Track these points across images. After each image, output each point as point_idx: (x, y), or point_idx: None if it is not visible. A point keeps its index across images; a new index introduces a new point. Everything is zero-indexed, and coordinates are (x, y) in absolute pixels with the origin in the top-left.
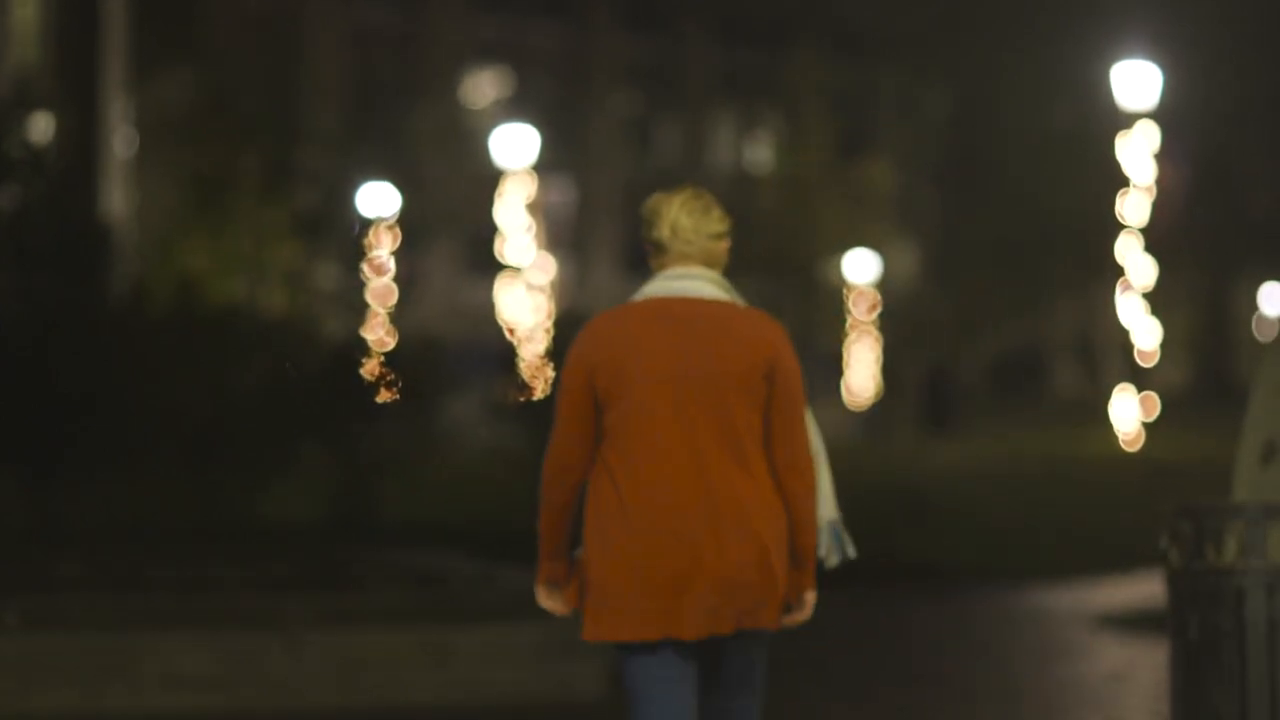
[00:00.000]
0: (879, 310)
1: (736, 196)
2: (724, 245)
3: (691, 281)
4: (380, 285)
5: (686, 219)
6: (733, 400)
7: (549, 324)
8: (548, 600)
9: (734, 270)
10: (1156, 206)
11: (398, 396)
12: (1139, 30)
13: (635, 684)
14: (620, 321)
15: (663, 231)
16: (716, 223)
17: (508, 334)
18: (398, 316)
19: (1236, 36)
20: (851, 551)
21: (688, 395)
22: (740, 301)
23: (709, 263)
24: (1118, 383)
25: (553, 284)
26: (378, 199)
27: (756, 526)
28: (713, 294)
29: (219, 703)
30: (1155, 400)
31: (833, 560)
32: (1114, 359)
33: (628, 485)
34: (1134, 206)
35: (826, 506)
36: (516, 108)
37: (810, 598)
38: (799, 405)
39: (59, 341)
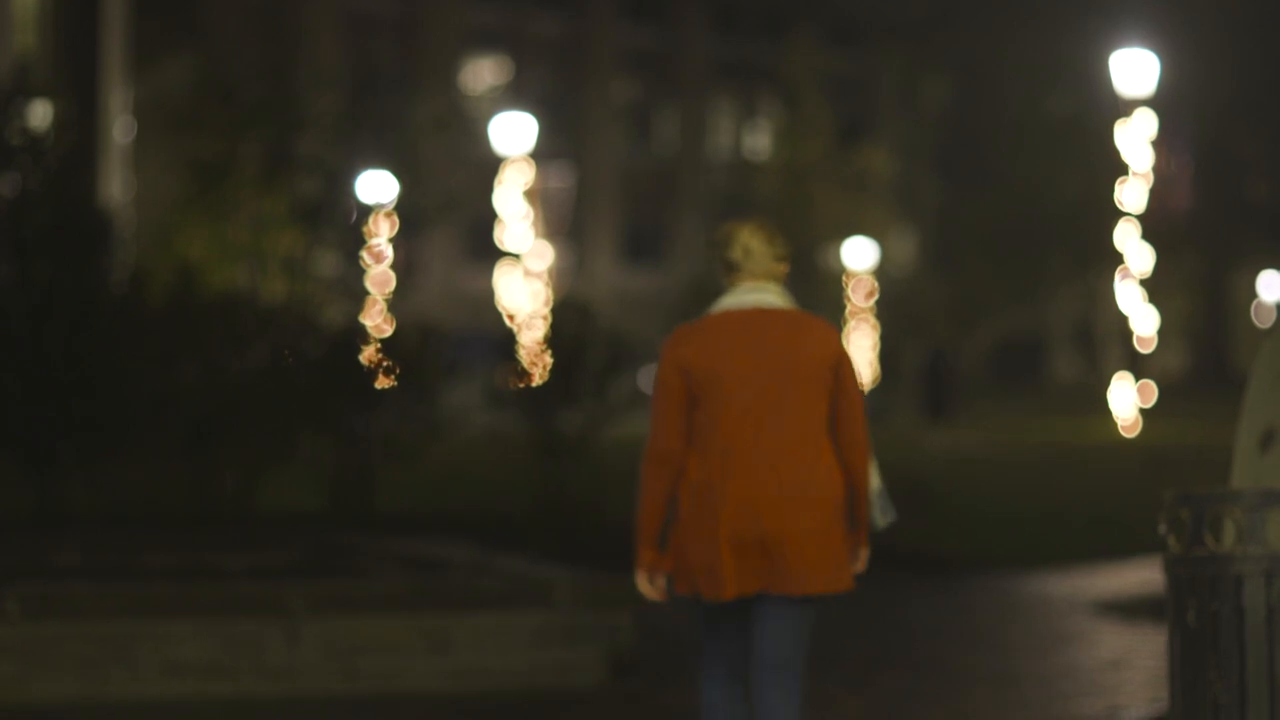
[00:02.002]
0: (875, 297)
1: (735, 184)
2: (785, 266)
3: (762, 295)
4: (379, 272)
5: (757, 243)
6: (805, 391)
7: (545, 311)
8: (648, 587)
9: None
10: (1155, 193)
11: (395, 383)
12: (1137, 18)
13: (711, 631)
14: (706, 329)
15: (736, 253)
16: (780, 247)
17: (508, 320)
18: (397, 304)
19: (1235, 23)
20: (894, 515)
21: (767, 388)
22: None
23: (774, 279)
24: (1117, 370)
25: (550, 270)
26: (377, 186)
27: (823, 499)
28: (781, 304)
29: (219, 689)
30: (1153, 387)
31: (882, 522)
32: (1114, 346)
33: (719, 466)
34: (1133, 194)
35: (874, 478)
36: (515, 95)
37: (864, 553)
38: (858, 395)
39: (58, 328)
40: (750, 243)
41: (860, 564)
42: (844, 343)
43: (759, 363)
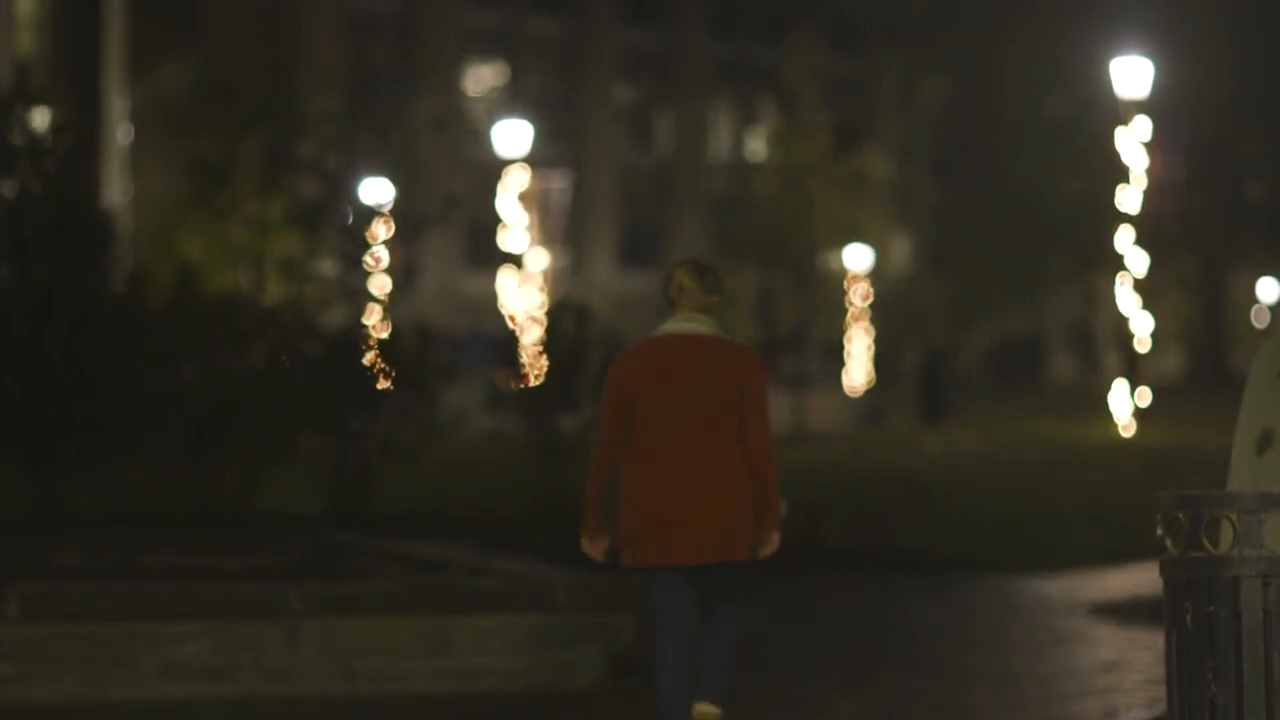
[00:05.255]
0: (870, 300)
1: (734, 185)
2: (715, 299)
3: (693, 324)
4: (380, 275)
5: (689, 281)
6: (717, 405)
7: (542, 314)
8: (590, 548)
9: (732, 261)
10: (1153, 196)
11: (392, 385)
12: (1135, 21)
13: (655, 594)
14: (644, 351)
15: (673, 290)
16: (710, 284)
17: (510, 322)
18: (396, 306)
19: (1234, 24)
20: (785, 509)
21: (688, 402)
22: (726, 337)
23: (705, 311)
24: (1115, 371)
25: (546, 273)
26: (376, 189)
27: (730, 491)
28: (708, 333)
29: (219, 691)
30: (1148, 390)
31: (781, 512)
32: (1112, 348)
33: (647, 464)
34: (1131, 197)
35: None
36: (514, 98)
37: (775, 538)
38: (762, 410)
39: (58, 329)
40: (684, 281)
41: (771, 546)
42: (756, 366)
43: (680, 379)
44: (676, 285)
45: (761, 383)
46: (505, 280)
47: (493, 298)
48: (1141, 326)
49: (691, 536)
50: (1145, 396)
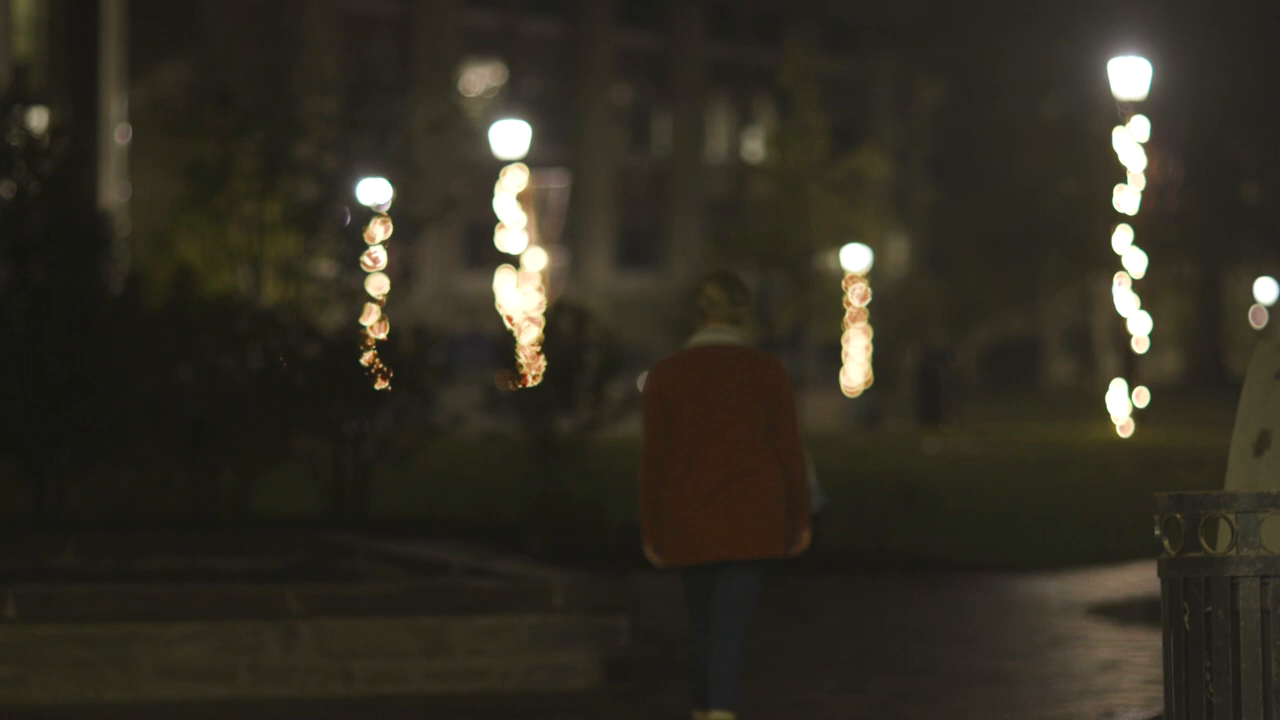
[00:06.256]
0: (867, 301)
1: (731, 187)
2: (744, 310)
3: (723, 334)
4: (377, 276)
5: (719, 295)
6: (750, 410)
7: (539, 314)
8: (653, 556)
9: (730, 263)
10: (1151, 197)
11: (390, 386)
12: (1132, 22)
13: (690, 587)
14: (679, 361)
15: (703, 303)
16: (738, 296)
17: (508, 323)
18: (394, 307)
19: (1232, 25)
20: (825, 499)
21: (721, 408)
22: (753, 345)
23: (734, 321)
24: (1112, 372)
25: (543, 274)
26: (374, 190)
27: (763, 493)
28: (737, 342)
29: (216, 692)
30: (1146, 390)
31: (814, 506)
32: (1109, 349)
33: (685, 470)
34: (1129, 198)
35: (810, 475)
36: (512, 99)
37: (806, 534)
38: (793, 412)
39: (56, 331)
40: (714, 294)
41: (802, 543)
42: (784, 372)
43: (715, 387)
44: (706, 299)
45: (791, 388)
46: (503, 281)
47: (490, 298)
48: (1139, 327)
49: (731, 536)
50: (1143, 397)
